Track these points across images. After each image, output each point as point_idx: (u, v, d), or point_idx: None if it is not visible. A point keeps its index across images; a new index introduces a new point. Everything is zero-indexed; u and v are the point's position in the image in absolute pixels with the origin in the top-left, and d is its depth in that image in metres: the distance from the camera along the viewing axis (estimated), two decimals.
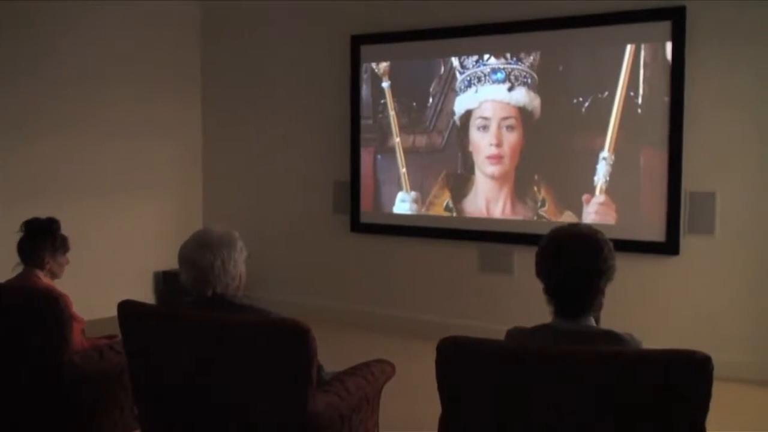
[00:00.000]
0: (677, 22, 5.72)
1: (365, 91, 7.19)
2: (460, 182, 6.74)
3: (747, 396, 5.28)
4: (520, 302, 6.03)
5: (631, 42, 5.92)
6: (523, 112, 6.41)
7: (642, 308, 5.85)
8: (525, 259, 6.14)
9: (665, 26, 5.78)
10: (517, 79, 6.42)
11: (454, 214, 6.78)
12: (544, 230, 2.63)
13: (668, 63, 5.79)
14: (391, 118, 7.05)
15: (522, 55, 6.39)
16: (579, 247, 2.47)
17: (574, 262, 2.45)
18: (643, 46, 5.88)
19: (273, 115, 7.83)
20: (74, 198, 6.93)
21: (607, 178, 6.07)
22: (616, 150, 6.02)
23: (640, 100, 5.92)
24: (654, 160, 5.88)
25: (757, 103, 5.57)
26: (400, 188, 7.06)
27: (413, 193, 6.99)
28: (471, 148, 6.67)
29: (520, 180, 6.47)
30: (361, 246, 7.33)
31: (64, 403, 3.72)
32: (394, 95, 7.04)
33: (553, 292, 2.49)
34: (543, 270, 2.51)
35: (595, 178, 6.11)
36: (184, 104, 8.17)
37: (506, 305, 6.41)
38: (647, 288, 5.92)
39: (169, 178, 8.03)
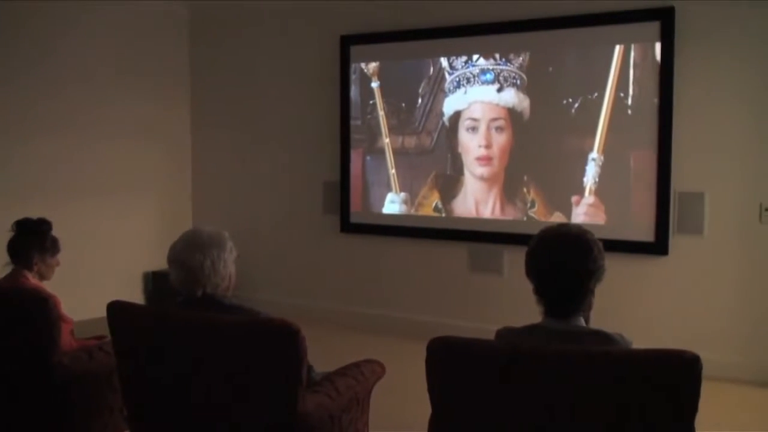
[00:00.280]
0: (666, 22, 5.73)
1: (354, 91, 7.18)
2: (450, 183, 6.75)
3: (736, 395, 5.30)
4: (510, 302, 6.03)
5: (620, 43, 5.94)
6: (512, 113, 6.41)
7: (631, 308, 5.86)
8: (515, 260, 6.16)
9: (654, 27, 5.79)
10: (506, 80, 6.42)
11: (443, 215, 6.78)
12: (534, 230, 2.64)
13: (658, 63, 5.80)
14: (381, 119, 7.05)
15: (511, 56, 6.40)
16: (568, 247, 2.48)
17: (564, 263, 2.46)
18: (633, 46, 5.89)
19: (262, 116, 7.82)
20: (63, 198, 6.89)
21: (597, 179, 6.08)
22: (606, 151, 6.03)
23: (629, 101, 5.93)
24: (643, 161, 5.89)
25: (746, 103, 5.58)
26: (389, 189, 7.06)
27: (402, 194, 6.99)
28: (460, 150, 6.67)
29: (509, 181, 6.47)
30: (351, 246, 7.33)
31: (53, 404, 3.70)
32: (383, 96, 7.04)
33: (542, 292, 2.50)
34: (533, 270, 2.52)
35: (585, 179, 6.13)
36: (173, 105, 8.15)
37: (496, 305, 6.42)
38: (636, 288, 5.94)
39: (159, 179, 8.01)
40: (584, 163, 6.11)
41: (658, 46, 5.79)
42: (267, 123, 7.79)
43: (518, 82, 6.36)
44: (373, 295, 7.19)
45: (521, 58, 6.36)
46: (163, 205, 8.04)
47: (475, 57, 6.54)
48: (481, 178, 6.58)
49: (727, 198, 5.68)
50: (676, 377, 2.15)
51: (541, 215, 6.32)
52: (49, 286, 4.00)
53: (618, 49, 5.94)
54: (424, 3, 6.76)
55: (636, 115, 5.91)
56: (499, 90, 6.44)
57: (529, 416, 2.28)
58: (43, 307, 3.62)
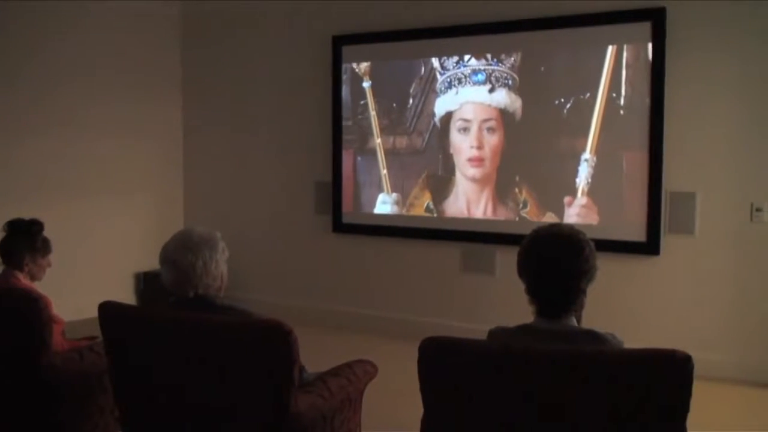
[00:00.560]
0: (657, 23, 5.74)
1: (345, 91, 7.17)
2: (441, 184, 6.74)
3: (727, 395, 5.32)
4: (502, 302, 6.04)
5: (612, 43, 5.94)
6: (504, 113, 6.41)
7: (623, 308, 5.88)
8: (507, 259, 6.16)
9: (646, 27, 5.80)
10: (498, 80, 6.42)
11: (435, 215, 6.78)
12: (526, 230, 2.64)
13: (650, 64, 5.81)
14: (372, 119, 7.04)
15: (503, 56, 6.39)
16: (560, 247, 2.48)
17: (556, 263, 2.46)
18: (625, 47, 5.89)
19: (254, 116, 7.81)
20: (54, 199, 6.89)
21: (589, 180, 6.08)
22: (598, 151, 6.04)
23: (622, 101, 5.94)
24: (635, 161, 5.90)
25: (736, 103, 5.60)
26: (381, 190, 7.05)
27: (394, 195, 6.98)
28: (452, 150, 6.67)
29: (501, 182, 6.47)
30: (343, 246, 7.32)
31: (44, 404, 3.69)
32: (374, 96, 7.03)
33: (534, 292, 2.50)
34: (525, 270, 2.52)
35: (577, 180, 6.13)
36: (164, 104, 8.14)
37: (488, 305, 6.43)
38: (628, 288, 5.95)
39: (150, 179, 8.00)
40: (577, 163, 6.12)
41: (650, 47, 5.80)
42: (258, 123, 7.78)
43: (510, 82, 6.36)
44: (365, 296, 7.19)
45: (513, 59, 6.35)
46: (155, 206, 8.03)
47: (466, 57, 6.54)
48: (473, 180, 6.57)
49: (718, 198, 5.69)
50: (667, 377, 2.15)
51: (533, 216, 6.32)
52: (40, 286, 3.99)
53: (610, 50, 5.95)
54: (416, 3, 6.76)
55: (629, 115, 5.91)
56: (491, 90, 6.44)
57: (522, 416, 2.28)
58: (34, 308, 3.61)
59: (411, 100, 6.83)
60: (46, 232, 4.10)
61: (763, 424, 4.87)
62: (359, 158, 7.14)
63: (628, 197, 5.94)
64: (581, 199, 6.12)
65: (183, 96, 8.29)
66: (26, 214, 4.12)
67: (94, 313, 3.11)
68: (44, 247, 4.06)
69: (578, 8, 6.04)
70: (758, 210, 5.57)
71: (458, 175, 6.65)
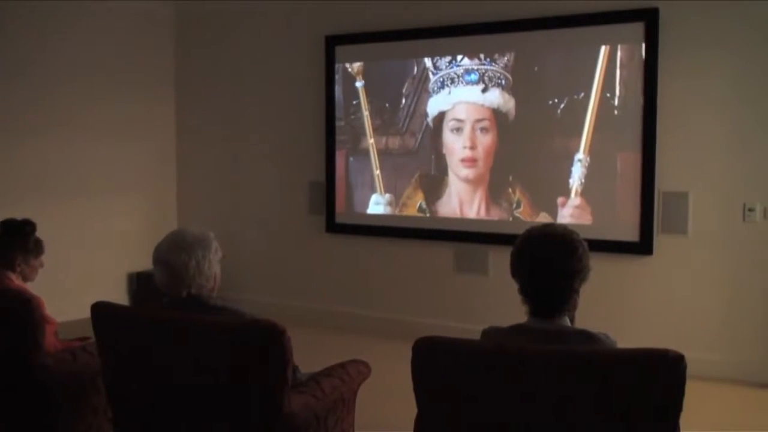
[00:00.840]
0: (650, 23, 5.75)
1: (337, 91, 7.17)
2: (434, 184, 6.74)
3: (721, 394, 5.33)
4: (496, 302, 6.04)
5: (605, 43, 5.95)
6: (497, 113, 6.41)
7: (616, 308, 5.89)
8: (500, 259, 6.15)
9: (639, 27, 5.81)
10: (491, 80, 6.41)
11: (428, 215, 6.78)
12: (519, 230, 2.64)
13: (643, 64, 5.81)
14: (365, 119, 7.03)
15: (496, 55, 6.39)
16: (554, 247, 2.48)
17: (549, 263, 2.46)
18: (619, 47, 5.89)
19: (248, 116, 7.81)
20: (47, 199, 6.87)
21: (583, 181, 6.09)
22: (592, 152, 6.05)
23: (616, 102, 5.94)
24: (628, 161, 5.91)
25: (729, 103, 5.62)
26: (373, 190, 7.05)
27: (387, 196, 6.98)
28: (444, 151, 6.66)
29: (494, 182, 6.47)
30: (337, 247, 7.32)
31: (36, 405, 3.68)
32: (367, 95, 7.03)
33: (528, 292, 2.50)
34: (518, 270, 2.52)
35: (570, 181, 6.13)
36: (157, 104, 8.12)
37: (481, 305, 6.43)
38: (621, 288, 5.96)
39: (143, 179, 7.99)
40: (570, 164, 6.12)
41: (643, 47, 5.80)
42: (252, 123, 7.78)
43: (503, 82, 6.36)
44: (358, 296, 7.19)
45: (506, 58, 6.35)
46: (148, 206, 8.02)
47: (459, 57, 6.54)
48: (466, 180, 6.57)
49: (710, 198, 5.71)
50: (660, 376, 2.15)
51: (527, 216, 6.32)
52: (33, 286, 3.98)
53: (603, 50, 5.95)
54: (410, 3, 6.76)
55: (623, 115, 5.92)
56: (484, 90, 6.43)
57: (515, 416, 2.29)
58: (27, 309, 3.60)
59: (404, 100, 6.82)
60: (39, 233, 4.09)
61: (756, 424, 4.88)
62: (351, 159, 7.13)
63: (621, 197, 5.95)
64: (574, 199, 6.12)
65: (177, 96, 8.28)
66: (19, 215, 4.11)
67: (86, 313, 3.11)
68: (37, 248, 4.04)
69: (571, 8, 6.04)
70: (750, 210, 5.58)
71: (451, 176, 6.65)
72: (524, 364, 2.28)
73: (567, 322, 2.50)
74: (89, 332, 3.26)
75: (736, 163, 5.62)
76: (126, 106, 7.70)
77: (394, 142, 6.91)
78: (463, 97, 6.54)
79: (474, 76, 6.48)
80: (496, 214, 6.46)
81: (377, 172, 7.00)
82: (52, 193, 7.01)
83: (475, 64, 6.47)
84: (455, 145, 6.59)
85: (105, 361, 3.14)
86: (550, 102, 6.18)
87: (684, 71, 5.73)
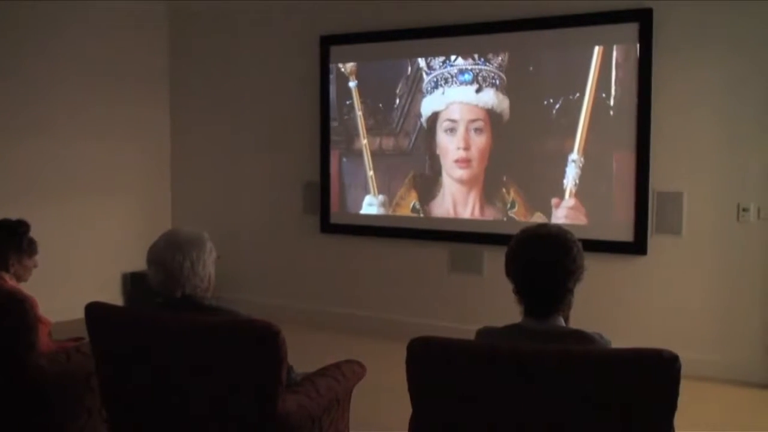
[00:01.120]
0: (644, 24, 5.76)
1: (331, 91, 7.16)
2: (428, 184, 6.74)
3: (715, 394, 5.34)
4: (490, 302, 6.05)
5: (599, 44, 5.95)
6: (491, 114, 6.40)
7: (610, 308, 5.89)
8: (495, 259, 6.17)
9: (633, 28, 5.81)
10: (485, 80, 6.41)
11: (421, 215, 6.78)
12: (514, 230, 2.64)
13: (637, 64, 5.82)
14: (358, 119, 7.03)
15: (490, 55, 6.38)
16: (548, 247, 2.48)
17: (544, 263, 2.46)
18: (615, 47, 5.89)
19: (242, 116, 7.80)
20: (41, 199, 6.86)
21: (577, 182, 6.09)
22: (586, 152, 6.05)
23: (612, 102, 5.94)
24: (623, 161, 5.91)
25: (723, 103, 5.63)
26: (367, 191, 7.04)
27: (381, 197, 6.97)
28: (438, 152, 6.66)
29: (489, 183, 6.46)
30: (332, 247, 7.32)
31: (30, 406, 3.68)
32: (360, 96, 7.02)
33: (522, 292, 2.50)
34: (512, 270, 2.52)
35: (565, 182, 6.13)
36: (151, 105, 8.11)
37: (476, 305, 6.44)
38: (616, 288, 5.96)
39: (138, 179, 7.98)
40: (564, 164, 6.12)
41: (637, 48, 5.80)
42: (247, 123, 7.77)
43: (497, 82, 6.36)
44: (353, 296, 7.19)
45: (500, 58, 6.34)
46: (143, 206, 8.00)
47: (453, 57, 6.53)
48: (460, 181, 6.57)
49: (705, 198, 5.72)
50: (654, 376, 2.16)
51: (521, 216, 6.32)
52: (27, 287, 3.97)
53: (597, 50, 5.95)
54: (403, 3, 6.76)
55: (618, 115, 5.92)
56: (478, 90, 6.43)
57: (509, 416, 2.29)
58: (21, 309, 3.59)
59: (397, 101, 6.82)
60: (34, 233, 4.08)
61: (749, 424, 4.89)
62: (345, 159, 7.12)
63: (616, 197, 5.95)
64: (569, 200, 6.12)
65: (170, 96, 8.27)
66: (13, 215, 4.10)
67: (80, 314, 3.10)
68: (30, 248, 4.03)
69: (565, 9, 6.05)
70: (745, 210, 5.59)
71: (445, 176, 6.64)
72: (518, 364, 2.28)
73: (561, 322, 2.50)
74: (83, 333, 3.25)
75: (731, 163, 5.63)
76: (120, 106, 7.68)
77: (388, 143, 6.91)
78: (456, 97, 6.53)
79: (468, 76, 6.47)
80: (491, 215, 6.46)
81: (370, 173, 6.99)
82: (45, 193, 7.00)
83: (469, 64, 6.47)
84: (449, 146, 6.59)
85: (99, 362, 3.13)
86: (545, 102, 6.18)
87: (678, 71, 5.74)
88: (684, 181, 5.77)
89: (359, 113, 7.01)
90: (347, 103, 7.07)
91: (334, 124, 7.15)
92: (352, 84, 7.04)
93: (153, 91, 8.13)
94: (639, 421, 2.18)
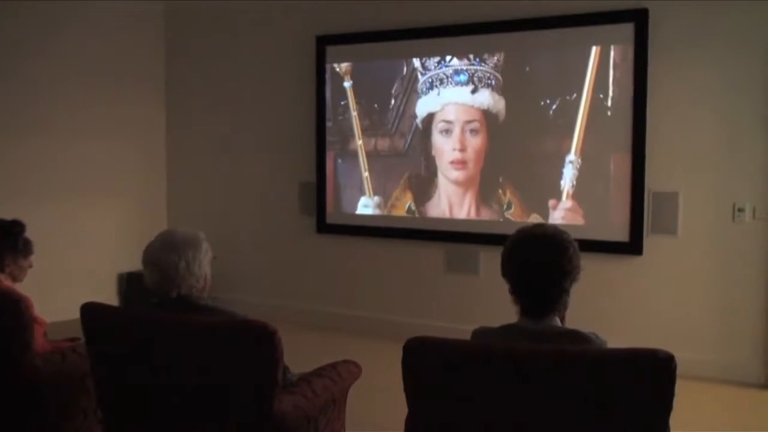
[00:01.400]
0: (639, 24, 5.76)
1: (326, 92, 7.15)
2: (423, 185, 6.73)
3: (710, 394, 5.35)
4: (486, 302, 6.05)
5: (596, 44, 5.95)
6: (487, 115, 6.39)
7: (606, 308, 5.90)
8: (491, 260, 6.13)
9: (629, 28, 5.81)
10: (480, 80, 6.40)
11: (417, 216, 6.77)
12: (510, 230, 2.64)
13: (633, 65, 5.82)
14: (354, 120, 7.02)
15: (485, 55, 6.37)
16: (544, 247, 2.48)
17: (540, 263, 2.46)
18: (612, 47, 5.89)
19: (238, 116, 7.80)
20: (37, 200, 6.85)
21: (574, 183, 6.08)
22: (583, 153, 6.04)
23: (609, 102, 5.94)
24: (619, 162, 5.91)
25: (719, 103, 5.64)
26: (362, 193, 7.03)
27: (376, 198, 6.97)
28: (434, 153, 6.65)
29: (485, 184, 6.46)
30: (328, 247, 7.32)
31: (25, 406, 3.67)
32: (355, 96, 7.01)
33: (518, 292, 2.50)
34: (508, 270, 2.52)
35: (562, 183, 6.13)
36: (147, 105, 8.11)
37: (472, 305, 6.44)
38: (611, 288, 5.97)
39: (133, 179, 7.97)
40: (561, 165, 6.12)
41: (634, 48, 5.80)
42: (242, 123, 7.77)
43: (493, 82, 6.35)
44: (349, 296, 7.18)
45: (496, 58, 6.34)
46: (138, 206, 8.00)
47: (448, 57, 6.52)
48: (456, 182, 6.56)
49: (700, 198, 5.72)
50: (650, 376, 2.16)
51: (517, 217, 6.31)
52: (23, 287, 3.96)
53: (594, 51, 5.95)
54: (399, 3, 6.75)
55: (615, 116, 5.91)
56: (474, 91, 6.42)
57: (505, 416, 2.29)
58: (16, 309, 3.59)
59: (393, 101, 6.81)
60: (29, 233, 4.07)
61: (745, 424, 4.90)
62: (340, 160, 7.12)
63: (612, 198, 5.95)
64: (566, 202, 6.12)
65: (166, 96, 8.26)
66: (8, 215, 4.09)
67: (76, 314, 3.09)
68: (25, 248, 4.02)
69: (561, 9, 6.05)
70: (740, 210, 5.60)
71: (440, 177, 6.63)
72: (514, 364, 2.28)
73: (557, 322, 2.50)
74: (79, 333, 3.25)
75: (726, 164, 5.64)
76: (116, 105, 7.68)
77: (383, 144, 6.90)
78: (452, 98, 6.52)
79: (463, 77, 6.46)
80: (487, 216, 6.45)
81: (366, 174, 6.98)
82: (41, 193, 6.99)
83: (465, 65, 6.46)
84: (445, 147, 6.58)
85: (94, 362, 3.12)
86: (542, 103, 6.17)
87: (674, 72, 5.75)
88: (680, 181, 5.78)
89: (354, 114, 7.01)
90: (342, 103, 7.07)
91: (329, 124, 7.14)
92: (347, 84, 7.03)
93: (149, 90, 8.13)
94: (634, 420, 2.19)
